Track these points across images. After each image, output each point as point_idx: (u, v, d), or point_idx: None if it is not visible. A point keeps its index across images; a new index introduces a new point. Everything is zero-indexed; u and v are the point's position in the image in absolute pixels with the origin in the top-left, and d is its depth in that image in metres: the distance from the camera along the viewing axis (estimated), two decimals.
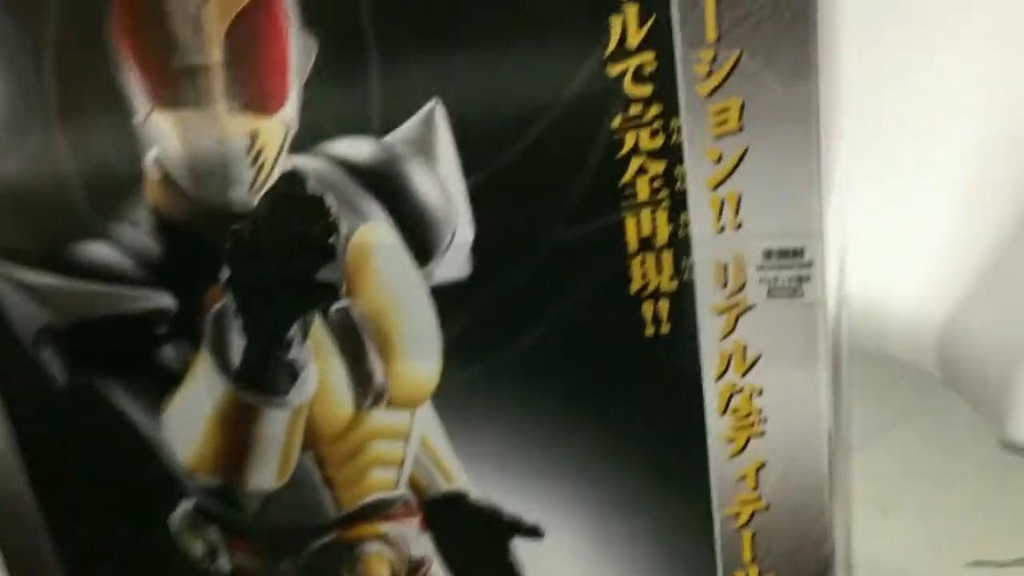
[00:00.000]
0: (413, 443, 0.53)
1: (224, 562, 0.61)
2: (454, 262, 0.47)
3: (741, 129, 0.40)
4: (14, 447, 0.62)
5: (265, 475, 0.56)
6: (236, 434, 0.55)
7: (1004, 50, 0.75)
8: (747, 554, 0.49)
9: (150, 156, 0.51)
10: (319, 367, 0.52)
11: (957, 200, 0.79)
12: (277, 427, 0.54)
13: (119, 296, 0.54)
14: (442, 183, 0.46)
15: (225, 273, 0.51)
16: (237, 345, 0.53)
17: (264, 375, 0.53)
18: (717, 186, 0.42)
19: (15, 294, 0.57)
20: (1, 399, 0.60)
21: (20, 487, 0.64)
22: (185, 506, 0.60)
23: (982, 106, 0.77)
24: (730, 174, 0.41)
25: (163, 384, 0.56)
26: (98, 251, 0.54)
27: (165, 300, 0.54)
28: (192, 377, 0.55)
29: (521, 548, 0.53)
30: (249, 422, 0.55)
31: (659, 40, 0.40)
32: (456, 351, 0.49)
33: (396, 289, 0.49)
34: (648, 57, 0.40)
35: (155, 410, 0.57)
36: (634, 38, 0.40)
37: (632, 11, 0.40)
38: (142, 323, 0.55)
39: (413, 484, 0.55)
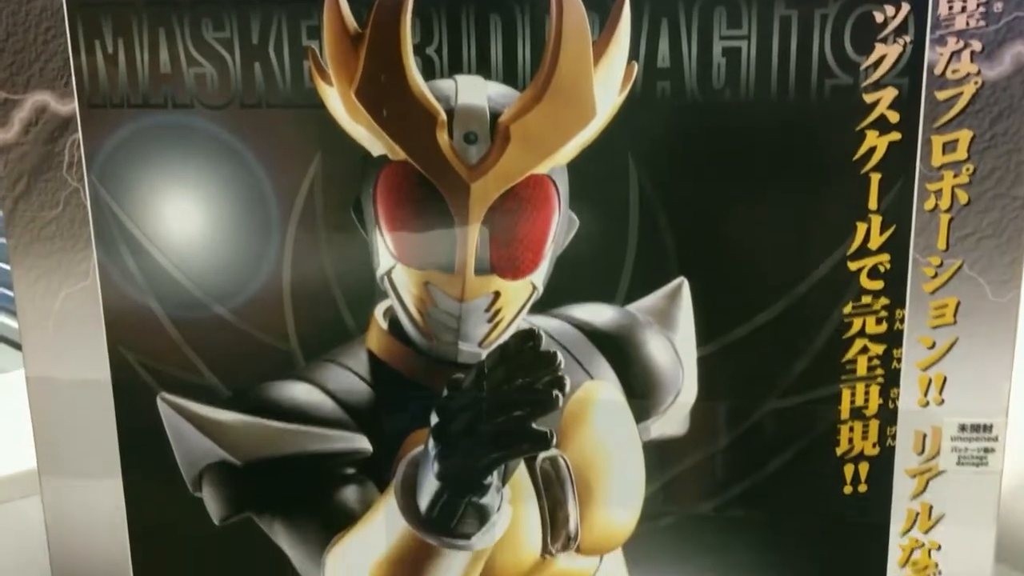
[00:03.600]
0: None
1: None
2: (673, 420, 0.53)
3: (955, 323, 0.49)
4: None
5: None
6: (409, 575, 0.57)
7: None
8: None
9: (381, 307, 0.55)
10: (512, 511, 0.56)
11: None
12: (454, 570, 0.57)
13: (312, 436, 0.57)
14: (676, 350, 0.52)
15: (434, 419, 0.55)
16: (428, 488, 0.55)
17: (452, 518, 0.55)
18: (927, 368, 0.50)
19: (189, 429, 0.58)
20: (135, 532, 0.61)
21: None
22: None
23: None
24: (940, 359, 0.50)
25: (336, 524, 0.58)
26: (298, 391, 0.57)
27: (361, 442, 0.57)
28: (370, 518, 0.57)
29: None
30: (426, 563, 0.57)
31: (896, 245, 0.49)
32: (658, 501, 0.54)
33: (609, 442, 0.54)
34: (884, 258, 0.49)
35: (319, 551, 0.58)
36: (875, 242, 0.49)
37: (877, 220, 0.48)
38: (330, 463, 0.57)
39: None
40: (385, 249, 0.53)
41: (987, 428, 0.50)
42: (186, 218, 0.55)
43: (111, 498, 0.60)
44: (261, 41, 0.52)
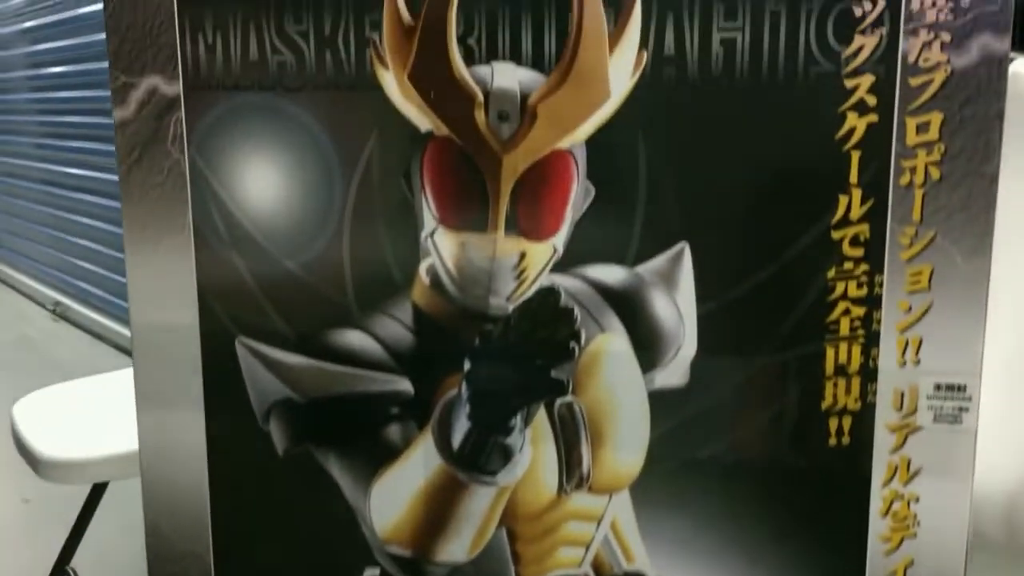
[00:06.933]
0: (604, 526, 0.63)
1: None
2: (675, 372, 0.59)
3: (929, 289, 0.54)
4: (211, 506, 0.70)
5: (458, 548, 0.66)
6: (441, 508, 0.65)
7: None
8: None
9: (424, 264, 0.63)
10: (532, 451, 0.63)
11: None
12: (481, 503, 0.64)
13: (363, 378, 0.65)
14: (678, 307, 0.59)
15: (467, 365, 0.62)
16: (460, 428, 0.63)
17: (480, 455, 0.63)
18: (904, 330, 0.55)
19: (261, 370, 0.67)
20: (212, 461, 0.70)
21: (202, 549, 0.72)
22: (368, 574, 0.68)
23: None
24: (916, 322, 0.54)
25: (380, 458, 0.66)
26: (353, 338, 0.65)
27: (404, 385, 0.64)
28: (410, 454, 0.65)
29: None
30: (456, 497, 0.64)
31: (874, 216, 0.54)
32: (661, 447, 0.60)
33: (618, 390, 0.61)
34: (864, 228, 0.54)
35: (366, 482, 0.67)
36: (856, 213, 0.54)
37: (857, 193, 0.54)
38: (378, 403, 0.65)
39: (596, 563, 0.64)
40: (429, 213, 0.61)
41: (961, 388, 0.55)
42: (264, 184, 0.64)
43: (194, 429, 0.69)
44: (332, 32, 0.61)
